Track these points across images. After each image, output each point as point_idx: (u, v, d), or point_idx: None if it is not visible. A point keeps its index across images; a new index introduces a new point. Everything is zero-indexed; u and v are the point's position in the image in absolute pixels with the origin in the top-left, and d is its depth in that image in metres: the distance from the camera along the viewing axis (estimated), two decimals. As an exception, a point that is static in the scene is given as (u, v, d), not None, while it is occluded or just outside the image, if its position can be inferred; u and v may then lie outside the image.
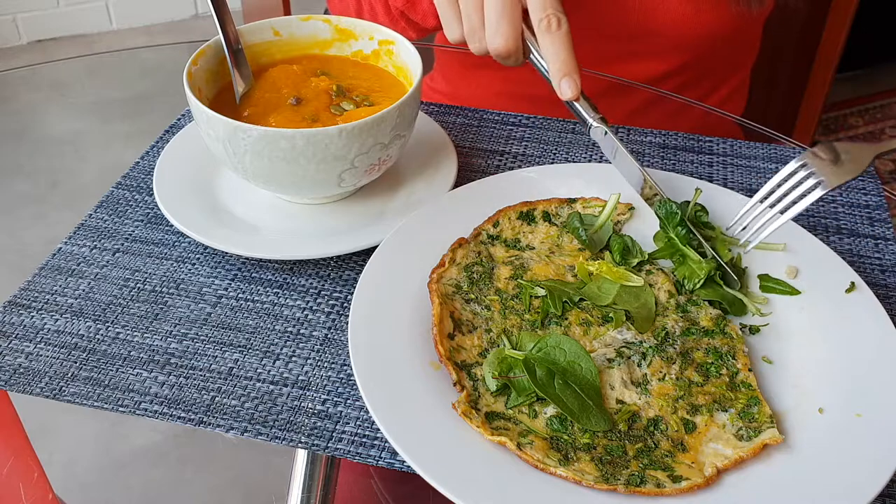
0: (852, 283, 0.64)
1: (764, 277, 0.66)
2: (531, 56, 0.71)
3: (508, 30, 0.69)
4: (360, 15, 1.01)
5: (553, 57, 0.68)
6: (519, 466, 0.52)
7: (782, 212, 0.64)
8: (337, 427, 0.59)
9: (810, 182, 0.62)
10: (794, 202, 0.63)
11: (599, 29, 1.00)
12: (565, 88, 0.69)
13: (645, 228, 0.71)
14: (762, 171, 0.84)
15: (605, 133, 0.70)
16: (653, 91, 1.04)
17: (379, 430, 0.58)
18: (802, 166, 0.63)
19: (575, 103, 0.70)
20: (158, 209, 0.76)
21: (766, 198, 0.66)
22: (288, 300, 0.69)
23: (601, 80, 1.03)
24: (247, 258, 0.72)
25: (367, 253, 0.69)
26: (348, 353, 0.62)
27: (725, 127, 1.05)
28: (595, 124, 0.70)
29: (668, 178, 0.75)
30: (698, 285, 0.65)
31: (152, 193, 0.79)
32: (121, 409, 0.60)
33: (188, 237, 0.74)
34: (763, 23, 1.09)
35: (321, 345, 0.65)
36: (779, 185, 0.64)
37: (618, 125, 0.90)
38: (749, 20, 1.03)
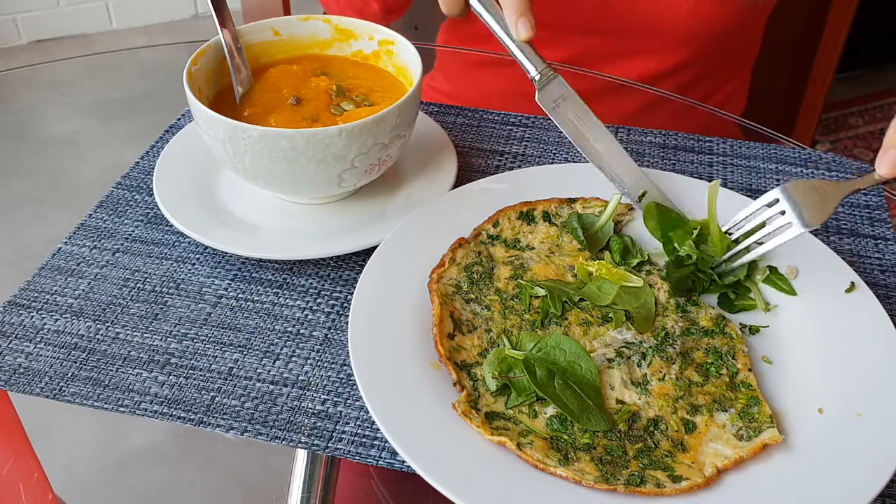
0: (852, 283, 0.64)
1: (772, 270, 0.66)
2: (474, 4, 0.71)
3: None
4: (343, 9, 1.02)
5: None
6: (519, 466, 0.52)
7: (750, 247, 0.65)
8: (337, 427, 0.59)
9: (781, 221, 0.62)
10: (764, 238, 0.64)
11: (601, 26, 1.00)
12: (521, 28, 0.69)
13: (645, 229, 0.71)
14: (762, 171, 0.84)
15: (556, 78, 0.70)
16: (654, 92, 1.04)
17: (379, 430, 0.58)
18: (776, 201, 0.63)
19: (528, 46, 0.70)
20: (158, 209, 0.76)
21: (738, 225, 0.66)
22: (288, 300, 0.69)
23: (603, 81, 1.03)
24: (247, 258, 0.72)
25: (367, 253, 0.69)
26: (348, 353, 0.62)
27: (725, 127, 1.05)
28: (543, 71, 0.70)
29: (669, 179, 0.75)
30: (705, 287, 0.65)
31: (152, 193, 0.79)
32: (121, 409, 0.60)
33: (188, 237, 0.74)
34: (766, 20, 1.09)
35: (321, 345, 0.65)
36: (752, 215, 0.65)
37: (618, 125, 0.90)
38: (753, 15, 1.03)
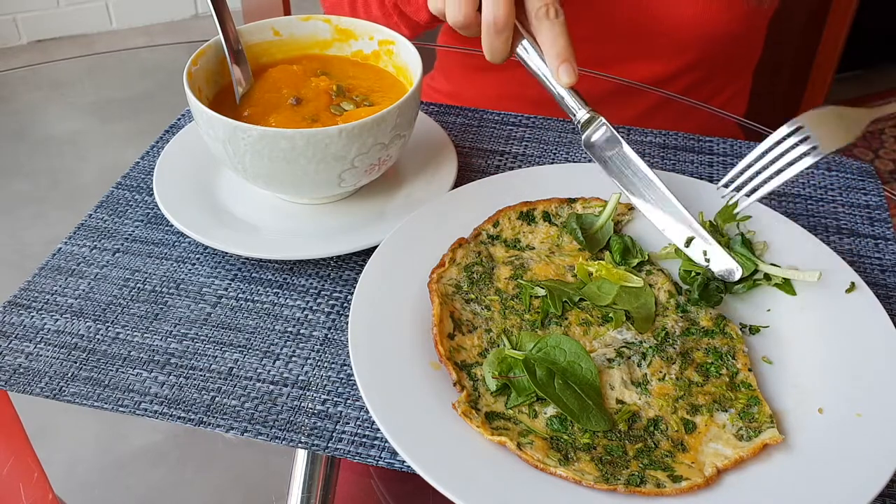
0: (852, 283, 0.64)
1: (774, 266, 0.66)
2: (519, 50, 0.70)
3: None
4: (353, 10, 1.01)
5: (551, 43, 0.68)
6: (519, 466, 0.52)
7: (770, 177, 0.63)
8: (337, 427, 0.59)
9: (804, 147, 0.61)
10: (788, 164, 0.62)
11: (607, 29, 0.99)
12: (563, 74, 0.68)
13: (645, 228, 0.71)
14: (762, 171, 0.84)
15: (601, 123, 0.69)
16: (656, 93, 1.04)
17: (379, 430, 0.58)
18: (798, 129, 0.61)
19: (571, 91, 0.70)
20: (158, 209, 0.76)
21: (759, 159, 0.64)
22: (288, 300, 0.69)
23: (607, 83, 1.03)
24: (247, 258, 0.72)
25: (367, 253, 0.69)
26: (348, 353, 0.62)
27: (726, 127, 1.05)
28: (587, 114, 0.70)
29: (669, 179, 0.75)
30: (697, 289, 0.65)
31: (152, 193, 0.79)
32: (121, 409, 0.60)
33: (188, 237, 0.74)
34: (767, 23, 1.09)
35: (321, 345, 0.65)
36: (773, 147, 0.63)
37: (619, 125, 0.90)
38: (757, 17, 1.02)
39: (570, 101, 0.70)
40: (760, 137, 0.91)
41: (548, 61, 0.68)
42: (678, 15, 0.97)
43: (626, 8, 0.97)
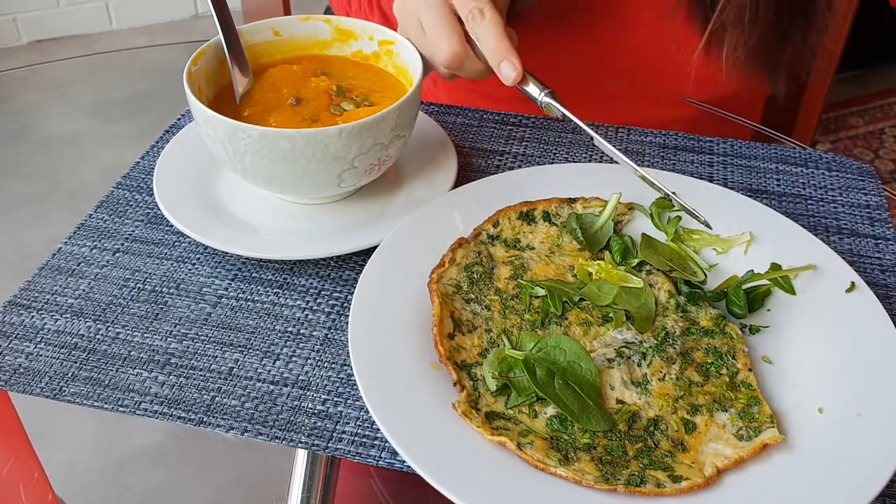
0: (852, 283, 0.64)
1: (774, 266, 0.66)
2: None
3: (448, 33, 0.70)
4: (348, 9, 1.01)
5: (486, 46, 0.69)
6: (519, 466, 0.52)
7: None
8: (337, 427, 0.59)
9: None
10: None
11: (605, 77, 0.99)
12: (505, 71, 0.69)
13: (645, 229, 0.71)
14: (762, 171, 0.84)
15: (550, 105, 0.72)
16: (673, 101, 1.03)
17: (379, 430, 0.58)
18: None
19: (523, 87, 0.72)
20: (158, 209, 0.76)
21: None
22: (288, 300, 0.69)
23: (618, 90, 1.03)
24: (247, 258, 0.72)
25: (367, 253, 0.69)
26: (348, 353, 0.62)
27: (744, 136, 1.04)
28: (545, 100, 0.72)
29: (668, 179, 0.75)
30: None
31: (152, 193, 0.79)
32: (121, 409, 0.60)
33: (188, 237, 0.74)
34: None
35: (321, 345, 0.65)
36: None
37: (618, 126, 0.90)
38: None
39: (529, 88, 0.72)
40: (760, 137, 0.91)
41: (491, 64, 0.71)
42: (680, 87, 0.97)
43: (625, 58, 0.97)
